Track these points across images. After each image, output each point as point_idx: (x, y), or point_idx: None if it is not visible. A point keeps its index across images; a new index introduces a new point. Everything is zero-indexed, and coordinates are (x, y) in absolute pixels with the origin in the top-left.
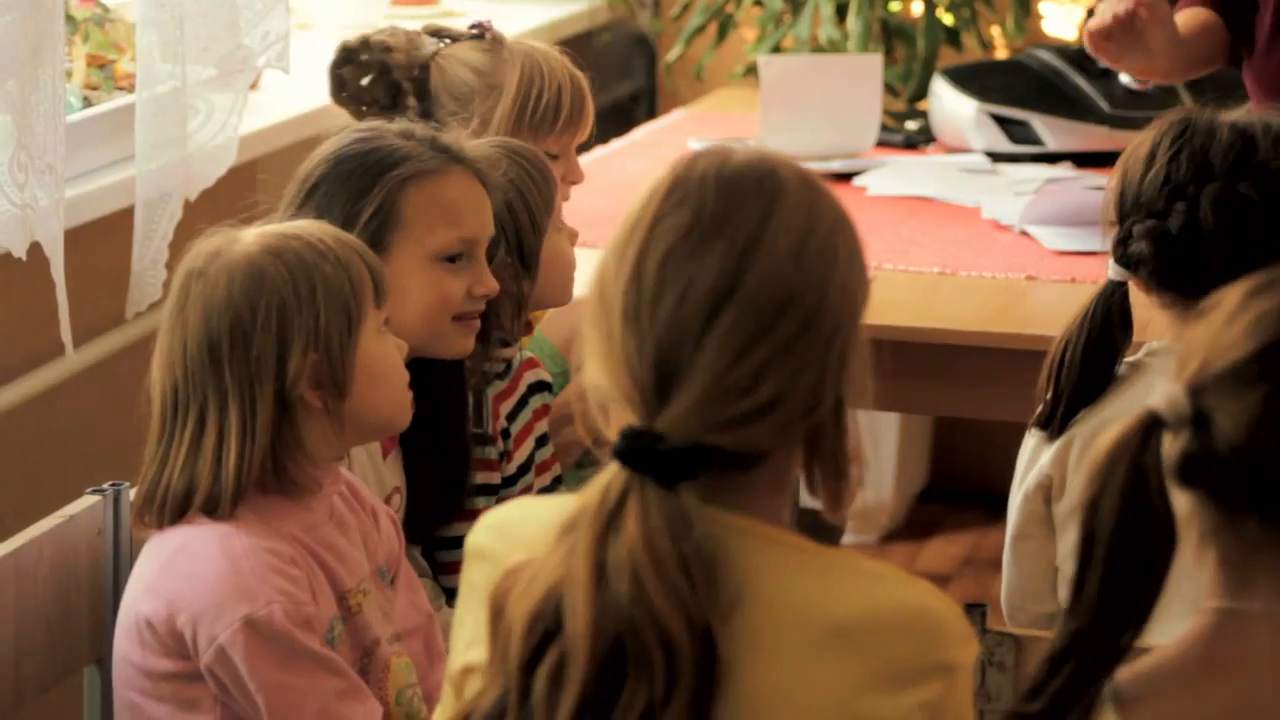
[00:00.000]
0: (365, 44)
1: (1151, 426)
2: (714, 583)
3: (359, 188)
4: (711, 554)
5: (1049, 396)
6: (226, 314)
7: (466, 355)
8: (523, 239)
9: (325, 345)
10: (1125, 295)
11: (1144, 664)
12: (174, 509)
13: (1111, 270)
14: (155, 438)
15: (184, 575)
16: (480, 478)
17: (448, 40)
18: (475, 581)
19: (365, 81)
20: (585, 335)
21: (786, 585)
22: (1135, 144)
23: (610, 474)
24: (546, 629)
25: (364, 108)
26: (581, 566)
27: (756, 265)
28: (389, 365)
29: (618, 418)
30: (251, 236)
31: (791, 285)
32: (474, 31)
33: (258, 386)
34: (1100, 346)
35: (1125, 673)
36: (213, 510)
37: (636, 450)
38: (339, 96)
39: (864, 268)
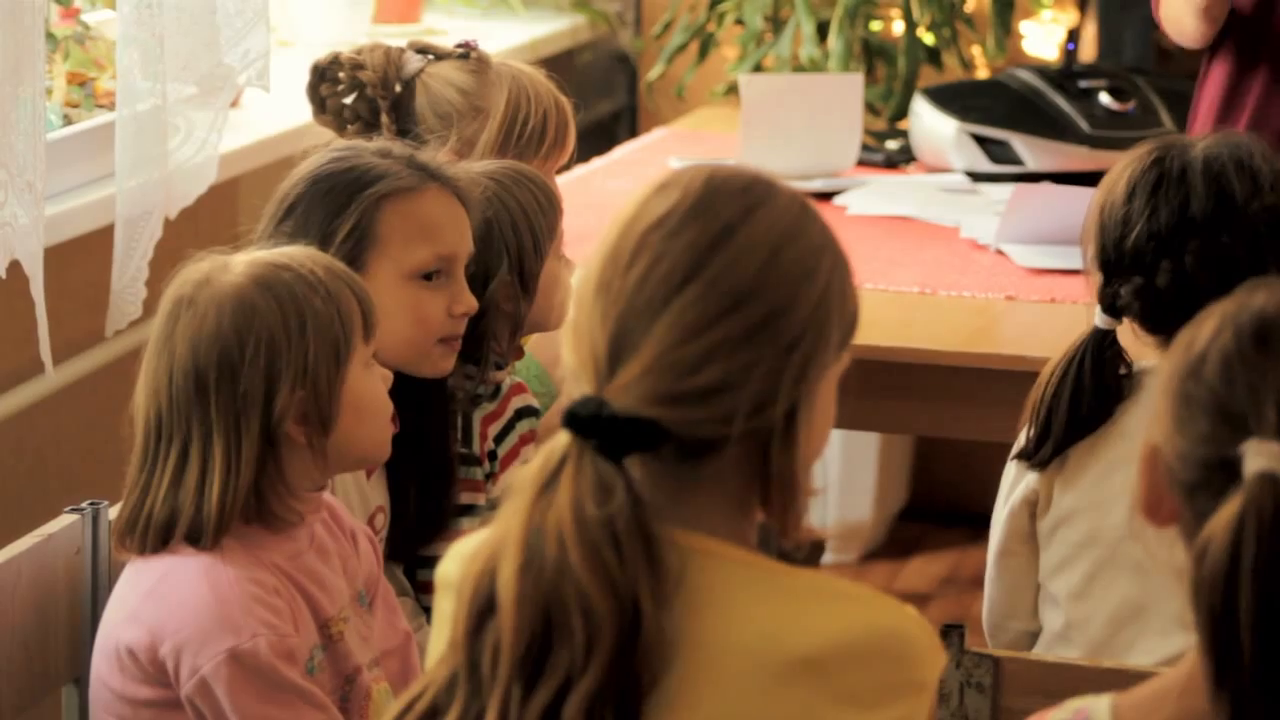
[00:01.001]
0: (336, 61)
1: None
2: (650, 560)
3: (335, 206)
4: (649, 531)
5: (1034, 434)
6: (215, 347)
7: (445, 375)
8: (524, 261)
9: (313, 382)
10: (1115, 341)
11: (1143, 691)
12: (156, 536)
13: (1099, 319)
14: (138, 463)
15: (168, 604)
16: (465, 498)
17: (432, 57)
18: (445, 612)
19: (347, 100)
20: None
21: (747, 609)
22: (1111, 182)
23: (554, 441)
24: (489, 597)
25: (347, 125)
26: (513, 531)
27: (727, 252)
28: (374, 400)
29: (578, 390)
30: (241, 265)
31: (758, 281)
32: (460, 50)
33: (244, 422)
34: (1093, 393)
35: (1125, 698)
36: (196, 539)
37: (580, 416)
38: (320, 116)
39: (848, 301)
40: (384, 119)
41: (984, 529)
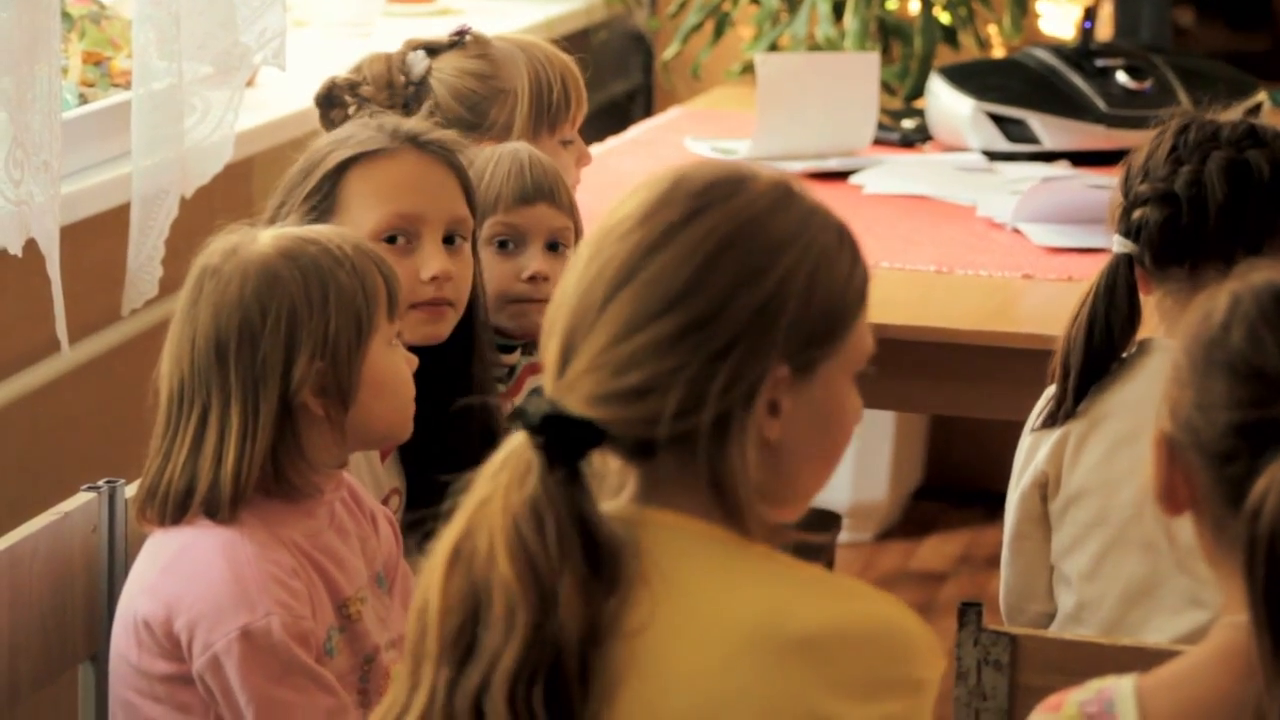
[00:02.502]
0: (334, 85)
1: None
2: (582, 536)
3: (303, 175)
4: (580, 510)
5: (1056, 390)
6: (236, 313)
7: (436, 342)
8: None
9: (332, 354)
10: (1131, 269)
11: (1166, 671)
12: (175, 506)
13: (1116, 244)
14: (160, 431)
15: (185, 578)
16: None
17: (430, 52)
18: None
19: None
20: None
21: (744, 589)
22: (1137, 147)
23: (512, 439)
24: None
25: None
26: (453, 527)
27: (665, 254)
28: (396, 379)
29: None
30: (268, 237)
31: (691, 284)
32: (454, 39)
33: (261, 389)
34: (1106, 322)
35: (1148, 679)
36: (214, 512)
37: (528, 412)
38: None
39: (814, 300)
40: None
41: (1000, 508)
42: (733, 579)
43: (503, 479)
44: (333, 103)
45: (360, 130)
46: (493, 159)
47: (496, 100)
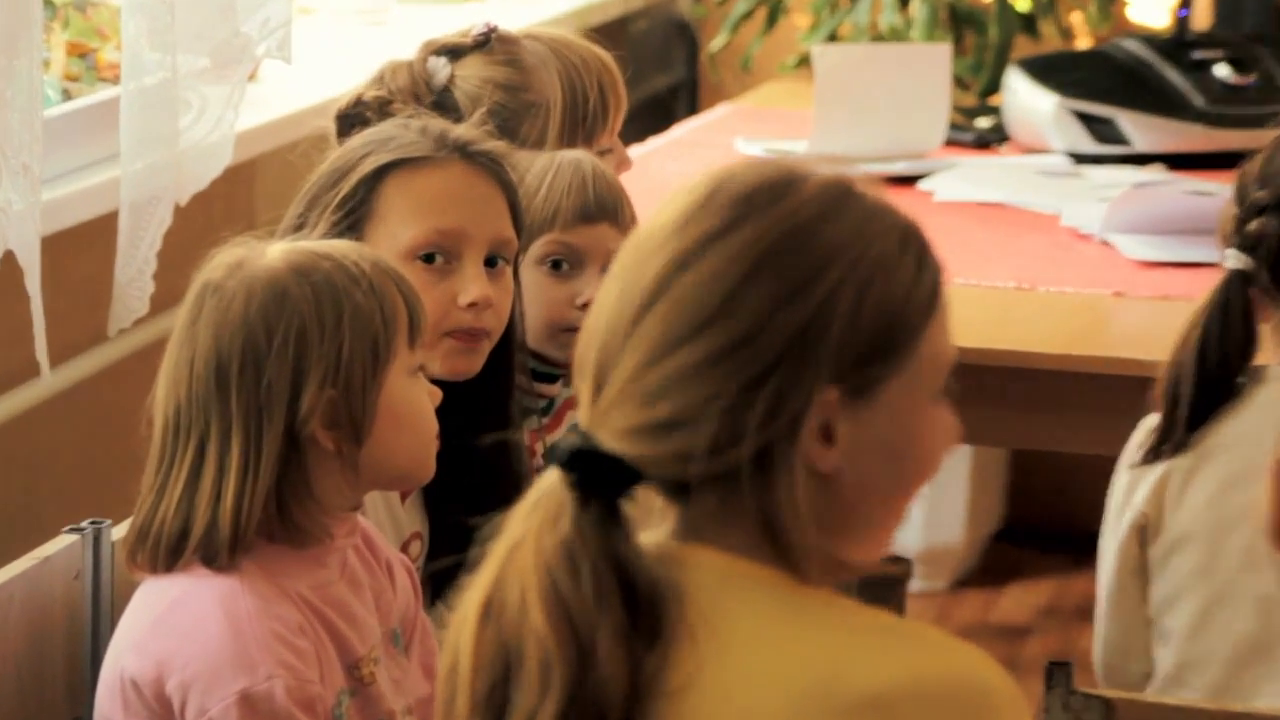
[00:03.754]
0: (360, 103)
1: None
2: (622, 587)
3: (336, 178)
4: (619, 556)
5: (1162, 419)
6: (240, 333)
7: (466, 377)
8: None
9: (345, 382)
10: (1246, 286)
11: None
12: (168, 550)
13: (1229, 259)
14: (154, 466)
15: (178, 634)
16: None
17: (452, 55)
18: None
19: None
20: None
21: (798, 643)
22: (1255, 150)
23: (547, 476)
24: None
25: None
26: (483, 577)
27: (698, 269)
28: (416, 413)
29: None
30: (278, 251)
31: (721, 305)
32: (479, 38)
33: (265, 419)
34: (1220, 346)
35: None
36: (212, 558)
37: (561, 446)
38: None
39: (865, 322)
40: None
41: (1090, 553)
42: (787, 629)
43: (534, 521)
44: (355, 121)
45: (401, 132)
46: (551, 168)
47: (527, 115)
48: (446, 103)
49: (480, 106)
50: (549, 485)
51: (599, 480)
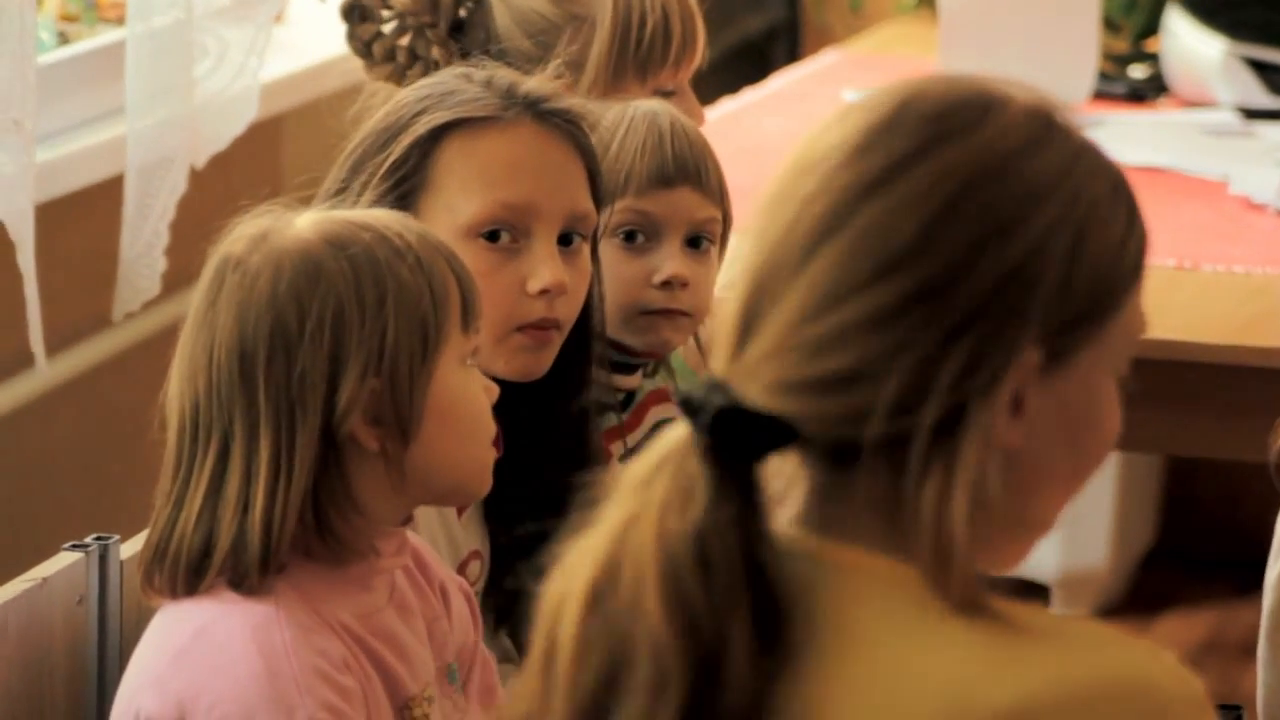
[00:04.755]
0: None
1: None
2: (753, 590)
3: (385, 138)
4: (755, 555)
5: None
6: (267, 316)
7: (534, 378)
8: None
9: (390, 371)
10: None
11: None
12: (189, 570)
13: None
14: (170, 472)
15: (204, 669)
16: None
17: None
18: None
19: (401, 40)
20: None
21: (934, 651)
22: None
23: (671, 431)
24: (553, 635)
25: (405, 73)
26: (592, 548)
27: (887, 198)
28: (471, 410)
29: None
30: (308, 221)
31: (921, 239)
32: None
33: (298, 414)
34: None
35: None
36: (240, 579)
37: (694, 402)
38: (372, 66)
39: (1082, 275)
40: (436, 52)
41: (1257, 578)
42: (926, 642)
43: (657, 493)
44: (361, 16)
45: (462, 86)
46: (623, 122)
47: (570, 31)
48: (478, 15)
49: (519, 18)
50: (674, 448)
51: (741, 444)
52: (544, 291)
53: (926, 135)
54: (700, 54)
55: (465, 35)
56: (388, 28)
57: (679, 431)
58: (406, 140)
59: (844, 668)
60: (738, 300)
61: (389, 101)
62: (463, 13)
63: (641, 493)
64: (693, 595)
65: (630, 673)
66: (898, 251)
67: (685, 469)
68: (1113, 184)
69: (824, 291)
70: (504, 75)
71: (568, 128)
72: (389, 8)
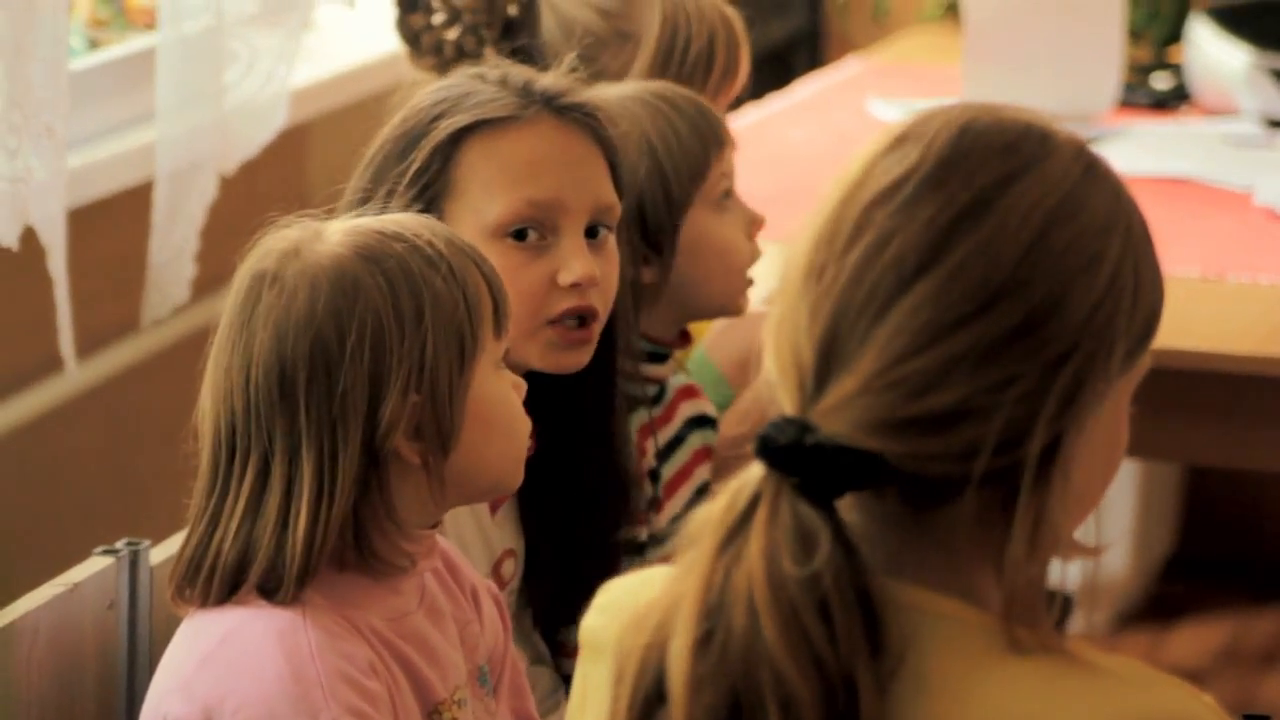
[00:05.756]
0: None
1: None
2: (868, 630)
3: (405, 145)
4: (868, 593)
5: None
6: (306, 335)
7: (573, 371)
8: (647, 209)
9: (431, 385)
10: None
11: None
12: (224, 583)
13: None
14: (204, 489)
15: (231, 673)
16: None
17: None
18: (593, 681)
19: (449, 34)
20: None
21: (997, 690)
22: None
23: (746, 475)
24: (658, 679)
25: (450, 66)
26: (690, 595)
27: (978, 234)
28: (507, 412)
29: (778, 406)
30: (340, 234)
31: (1019, 272)
32: None
33: (341, 433)
34: None
35: None
36: (273, 590)
37: (778, 444)
38: (418, 58)
39: (1143, 294)
40: (488, 51)
41: (1275, 589)
42: (977, 673)
43: (758, 540)
44: (415, 5)
45: (478, 87)
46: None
47: (615, 45)
48: (528, 19)
49: (566, 27)
50: (755, 490)
51: (831, 483)
52: (575, 285)
53: (1003, 167)
54: (741, 83)
55: (513, 38)
56: (438, 19)
57: (754, 473)
58: (427, 147)
59: (920, 707)
60: (808, 343)
61: (420, 95)
62: (512, 11)
63: (732, 538)
64: (815, 637)
65: (755, 712)
66: (997, 285)
67: (786, 511)
68: (1137, 206)
69: (922, 327)
70: (518, 73)
71: (586, 121)
72: (445, 1)
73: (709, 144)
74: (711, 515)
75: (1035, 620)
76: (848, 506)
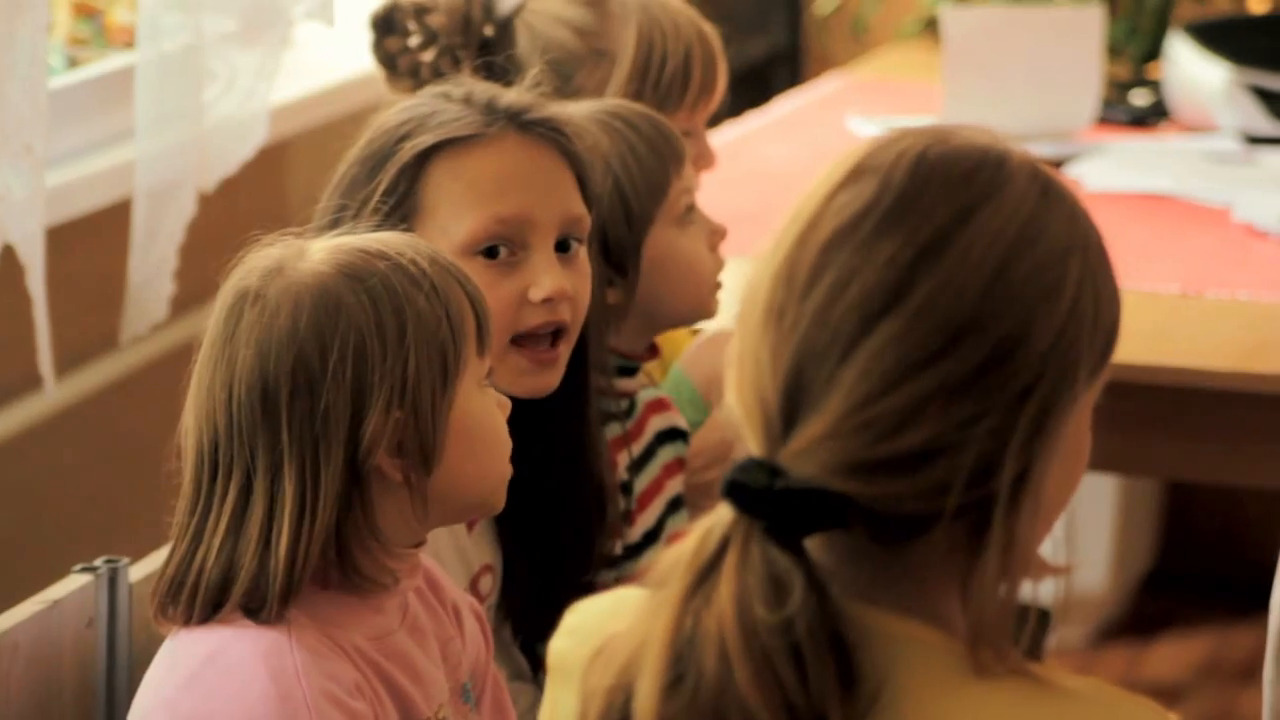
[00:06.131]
0: (397, 7)
1: None
2: (841, 672)
3: (372, 166)
4: (840, 634)
5: None
6: (288, 353)
7: (543, 394)
8: (609, 229)
9: (413, 402)
10: None
11: None
12: (207, 601)
13: None
14: (186, 506)
15: (215, 693)
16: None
17: None
18: (561, 707)
19: (425, 56)
20: (730, 347)
21: (951, 709)
22: None
23: (715, 517)
24: (623, 715)
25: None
26: (658, 637)
27: (940, 270)
28: (490, 430)
29: (746, 448)
30: (322, 252)
31: (982, 307)
32: None
33: (323, 451)
34: None
35: None
36: (257, 609)
37: (746, 487)
38: (394, 80)
39: (1103, 312)
40: (464, 71)
41: (1257, 602)
42: (965, 701)
43: (728, 582)
44: (390, 28)
45: (443, 106)
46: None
47: (590, 64)
48: (503, 37)
49: (542, 45)
50: (723, 533)
51: (800, 525)
52: (547, 300)
53: (961, 199)
54: (718, 99)
55: (490, 59)
56: (414, 41)
57: (723, 515)
58: (393, 168)
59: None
60: (772, 386)
61: (387, 115)
62: (488, 31)
63: (701, 581)
64: (788, 681)
65: None
66: (962, 321)
67: (756, 555)
68: (1093, 221)
69: (888, 369)
70: (482, 90)
71: (552, 135)
72: (421, 24)
73: (668, 161)
74: (681, 557)
75: (1003, 644)
76: (816, 542)
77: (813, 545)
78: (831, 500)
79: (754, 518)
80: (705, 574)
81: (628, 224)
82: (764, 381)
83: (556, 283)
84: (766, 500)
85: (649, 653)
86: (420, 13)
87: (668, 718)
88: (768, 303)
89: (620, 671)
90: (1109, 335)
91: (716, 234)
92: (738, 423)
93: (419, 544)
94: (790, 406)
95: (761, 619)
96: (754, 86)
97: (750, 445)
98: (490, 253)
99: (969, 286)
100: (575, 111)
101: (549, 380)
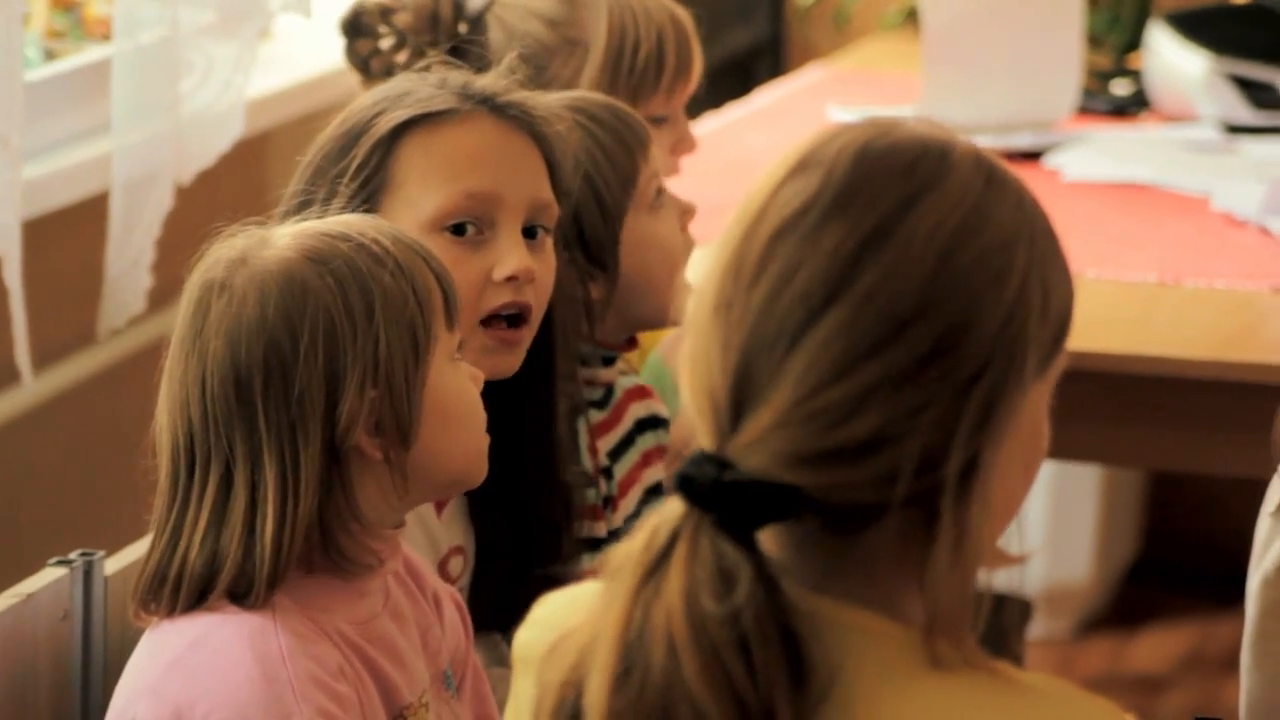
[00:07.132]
0: (364, 10)
1: None
2: (790, 664)
3: (345, 143)
4: (790, 626)
5: None
6: (259, 340)
7: (504, 377)
8: (585, 226)
9: (387, 379)
10: None
11: None
12: (191, 593)
13: None
14: (166, 500)
15: (201, 675)
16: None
17: None
18: (524, 698)
19: (398, 56)
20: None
21: (903, 701)
22: None
23: (665, 510)
24: (575, 712)
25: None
26: (609, 630)
27: (883, 260)
28: (464, 403)
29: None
30: (286, 238)
31: (926, 296)
32: None
33: (301, 434)
34: None
35: None
36: (243, 595)
37: (695, 480)
38: (368, 81)
39: (1052, 299)
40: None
41: (1238, 593)
42: (919, 693)
43: (678, 577)
44: (360, 31)
45: (418, 86)
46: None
47: (563, 54)
48: (476, 33)
49: (515, 38)
50: (674, 527)
51: (750, 518)
52: (511, 279)
53: (903, 190)
54: (695, 82)
55: (462, 54)
56: (386, 43)
57: (674, 509)
58: (367, 143)
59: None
60: (721, 378)
61: (357, 101)
62: (461, 28)
63: (650, 574)
64: (735, 673)
65: None
66: (906, 311)
67: (705, 550)
68: (1041, 209)
69: (834, 359)
70: (457, 75)
71: (525, 120)
72: (389, 24)
73: (634, 150)
74: (631, 551)
75: (959, 635)
76: (767, 534)
77: (766, 538)
78: (781, 491)
79: (704, 511)
80: (655, 568)
81: (603, 218)
82: (714, 374)
83: (522, 261)
84: (716, 493)
85: (600, 647)
86: (386, 13)
87: (617, 712)
88: (716, 295)
89: (572, 666)
90: (1060, 323)
91: (687, 213)
92: (690, 417)
93: (399, 525)
94: (738, 398)
95: (709, 611)
96: (736, 77)
97: (700, 439)
98: (458, 230)
99: (912, 275)
100: (541, 103)
101: (511, 361)
